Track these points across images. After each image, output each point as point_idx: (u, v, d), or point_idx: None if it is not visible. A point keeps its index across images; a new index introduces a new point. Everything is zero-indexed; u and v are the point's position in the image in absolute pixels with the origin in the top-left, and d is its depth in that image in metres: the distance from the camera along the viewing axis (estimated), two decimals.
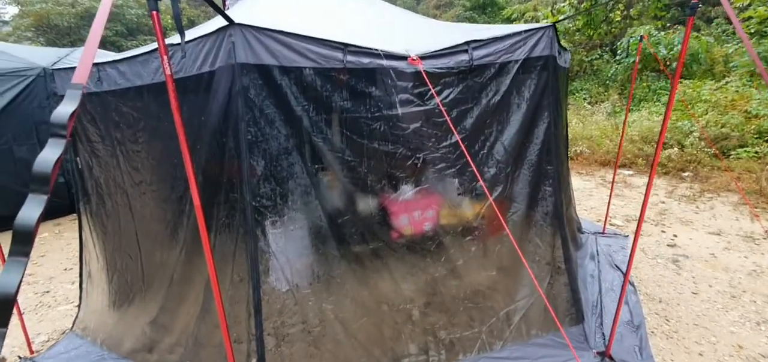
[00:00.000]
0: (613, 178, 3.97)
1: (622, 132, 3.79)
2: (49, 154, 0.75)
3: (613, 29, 14.14)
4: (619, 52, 12.21)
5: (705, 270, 3.42)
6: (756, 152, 6.26)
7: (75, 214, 5.21)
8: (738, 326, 2.70)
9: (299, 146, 1.81)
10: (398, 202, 2.17)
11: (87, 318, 2.71)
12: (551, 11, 14.91)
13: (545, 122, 2.22)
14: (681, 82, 9.48)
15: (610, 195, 4.01)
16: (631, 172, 6.60)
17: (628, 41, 11.17)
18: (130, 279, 2.41)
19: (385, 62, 1.88)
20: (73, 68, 2.35)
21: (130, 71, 2.01)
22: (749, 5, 9.84)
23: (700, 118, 7.45)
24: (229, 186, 1.78)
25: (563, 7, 14.72)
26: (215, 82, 1.72)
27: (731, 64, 9.82)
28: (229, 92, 1.69)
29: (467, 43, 2.03)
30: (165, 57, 1.22)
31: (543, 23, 2.27)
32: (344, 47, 1.81)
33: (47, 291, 3.43)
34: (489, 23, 19.70)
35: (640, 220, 1.99)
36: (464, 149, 1.70)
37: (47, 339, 2.77)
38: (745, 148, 6.44)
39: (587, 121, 8.95)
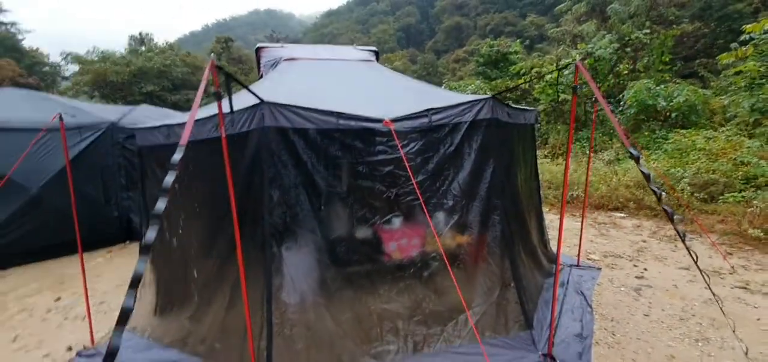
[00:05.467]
0: (583, 219, 4.51)
1: (587, 173, 4.38)
2: (169, 178, 1.51)
3: (621, 82, 14.82)
4: (622, 103, 12.81)
5: (663, 298, 3.84)
6: (743, 196, 6.60)
7: (123, 243, 6.13)
8: (677, 341, 3.13)
9: (304, 182, 2.57)
10: (384, 229, 2.86)
11: (136, 319, 3.44)
12: (556, 66, 15.84)
13: (491, 167, 2.90)
14: (678, 132, 9.94)
15: (582, 232, 4.54)
16: (622, 215, 7.02)
17: (625, 95, 11.81)
18: (175, 285, 3.15)
19: (366, 125, 2.66)
20: (150, 128, 3.24)
21: (194, 131, 2.86)
22: (747, 58, 10.38)
23: (692, 165, 7.85)
24: (253, 208, 2.53)
25: (568, 63, 15.66)
26: (250, 138, 2.53)
27: (728, 114, 10.25)
28: (258, 144, 2.48)
29: (428, 110, 2.79)
30: (223, 127, 2.02)
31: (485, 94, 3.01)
32: (338, 115, 2.60)
33: (103, 302, 4.21)
34: (500, 77, 20.89)
35: (559, 242, 2.59)
36: (417, 187, 2.41)
37: (105, 336, 3.50)
38: (732, 193, 6.78)
39: (583, 167, 9.45)
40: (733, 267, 4.51)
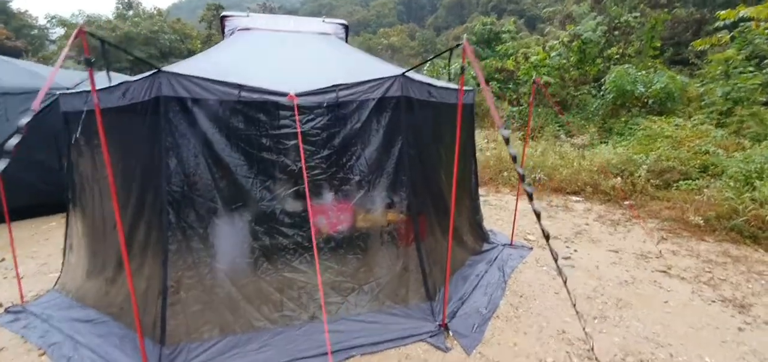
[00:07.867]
0: (517, 200, 4.62)
1: (523, 155, 4.46)
2: (13, 141, 1.59)
3: (611, 66, 14.67)
4: (603, 87, 12.75)
5: (581, 278, 3.99)
6: (696, 184, 6.71)
7: None
8: (574, 318, 3.27)
9: (203, 152, 2.63)
10: (289, 201, 2.95)
11: (65, 279, 3.57)
12: (543, 48, 15.72)
13: (399, 144, 2.97)
14: (651, 118, 9.97)
15: (515, 213, 4.66)
16: (578, 198, 7.14)
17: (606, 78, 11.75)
18: (97, 247, 3.26)
19: (270, 98, 2.71)
20: (73, 93, 3.29)
21: (103, 98, 2.91)
22: (728, 44, 10.33)
23: (655, 152, 7.92)
24: (155, 176, 2.61)
25: (555, 45, 15.51)
26: (149, 107, 2.58)
27: (703, 102, 10.26)
28: (157, 112, 2.54)
29: (336, 86, 2.83)
30: (94, 94, 2.08)
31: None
32: (239, 87, 2.65)
33: (45, 264, 4.34)
34: (491, 56, 20.64)
35: (451, 220, 2.70)
36: (304, 164, 2.50)
37: (36, 295, 3.63)
38: (687, 181, 6.89)
39: (553, 150, 9.53)
40: (660, 251, 4.66)
